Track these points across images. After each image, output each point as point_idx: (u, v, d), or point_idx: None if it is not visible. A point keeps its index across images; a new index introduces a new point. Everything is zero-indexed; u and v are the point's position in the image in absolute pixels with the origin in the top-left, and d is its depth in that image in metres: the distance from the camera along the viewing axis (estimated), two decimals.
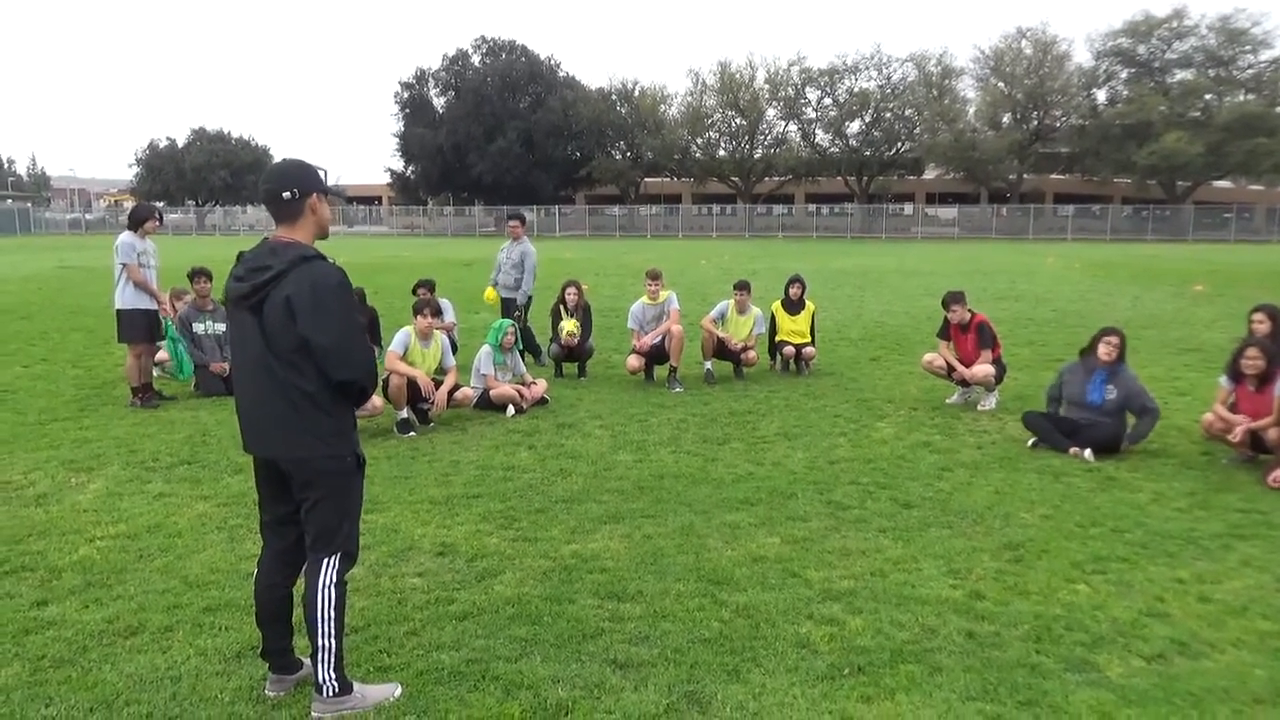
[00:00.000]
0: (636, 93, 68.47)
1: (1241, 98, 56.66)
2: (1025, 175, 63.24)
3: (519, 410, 8.17)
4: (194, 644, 3.82)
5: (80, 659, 3.71)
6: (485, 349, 8.44)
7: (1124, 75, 60.71)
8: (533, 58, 69.23)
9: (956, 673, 3.59)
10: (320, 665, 3.25)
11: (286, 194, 3.22)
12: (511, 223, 10.83)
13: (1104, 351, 6.98)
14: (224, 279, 3.57)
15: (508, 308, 10.62)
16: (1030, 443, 7.04)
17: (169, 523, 5.30)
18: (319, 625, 3.24)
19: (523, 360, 9.00)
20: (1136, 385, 6.97)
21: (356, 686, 3.34)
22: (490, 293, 10.94)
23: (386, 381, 7.49)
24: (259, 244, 3.26)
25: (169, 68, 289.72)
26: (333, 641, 3.26)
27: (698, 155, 67.10)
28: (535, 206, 63.23)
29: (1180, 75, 58.95)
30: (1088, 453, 6.69)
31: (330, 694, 3.26)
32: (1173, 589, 4.41)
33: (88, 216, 76.15)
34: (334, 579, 3.26)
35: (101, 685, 3.49)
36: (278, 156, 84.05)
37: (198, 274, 9.49)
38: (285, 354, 3.14)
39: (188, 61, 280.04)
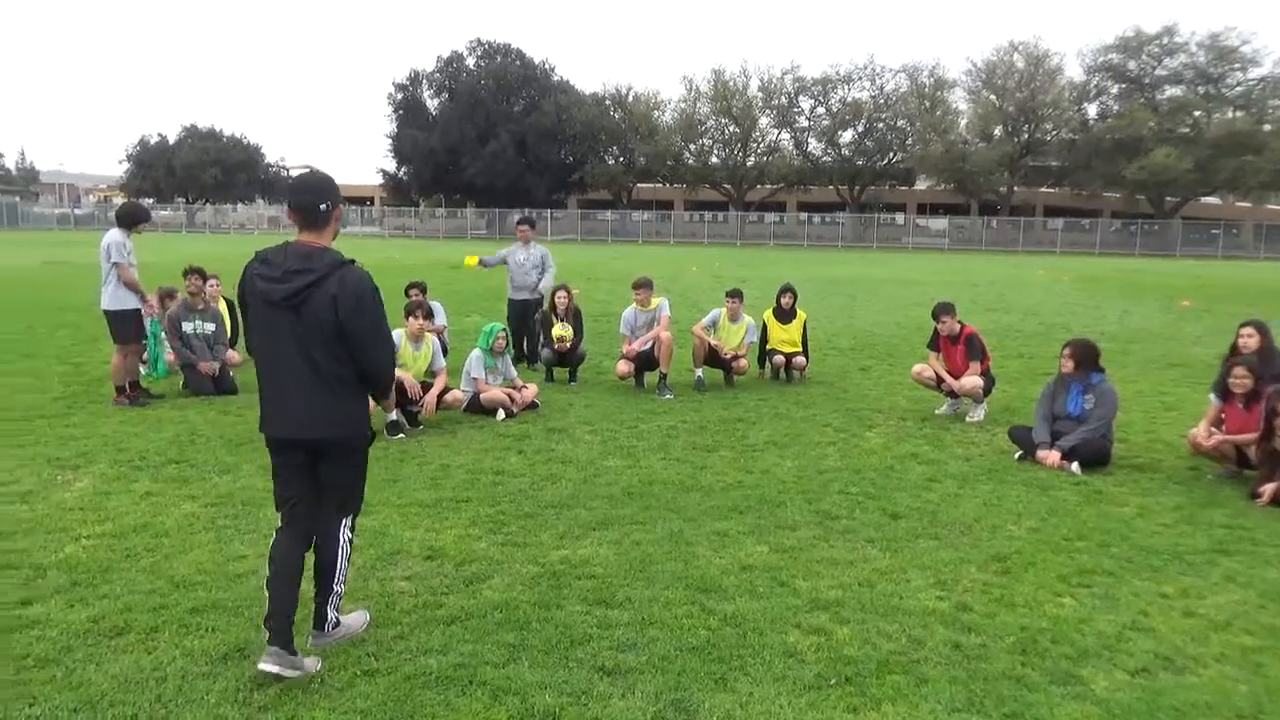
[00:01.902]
0: (630, 98, 68.54)
1: (1230, 115, 57.12)
2: (1015, 188, 63.55)
3: (509, 414, 8.17)
4: (180, 645, 3.80)
5: (64, 659, 3.68)
6: (476, 352, 8.43)
7: (1114, 90, 61.15)
8: (527, 61, 69.27)
9: (942, 684, 3.61)
10: (330, 606, 3.77)
11: (324, 206, 3.59)
12: (523, 227, 11.48)
13: (1063, 365, 7.11)
14: (236, 276, 3.93)
15: (522, 310, 10.78)
16: (1016, 456, 7.08)
17: (156, 522, 5.28)
18: (335, 573, 3.75)
19: (514, 364, 9.00)
20: (1110, 404, 6.98)
21: (342, 619, 3.89)
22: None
23: None
24: (284, 247, 3.59)
25: (161, 64, 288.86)
26: (342, 587, 3.82)
27: (690, 162, 67.12)
28: (527, 210, 63.13)
29: (1170, 91, 59.36)
30: (1075, 466, 6.74)
31: (331, 627, 3.80)
32: (1157, 603, 4.45)
33: (77, 212, 75.73)
34: (350, 535, 3.82)
35: (86, 685, 3.48)
36: (270, 155, 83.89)
37: (192, 273, 9.45)
38: (329, 346, 3.51)
39: (180, 58, 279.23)
